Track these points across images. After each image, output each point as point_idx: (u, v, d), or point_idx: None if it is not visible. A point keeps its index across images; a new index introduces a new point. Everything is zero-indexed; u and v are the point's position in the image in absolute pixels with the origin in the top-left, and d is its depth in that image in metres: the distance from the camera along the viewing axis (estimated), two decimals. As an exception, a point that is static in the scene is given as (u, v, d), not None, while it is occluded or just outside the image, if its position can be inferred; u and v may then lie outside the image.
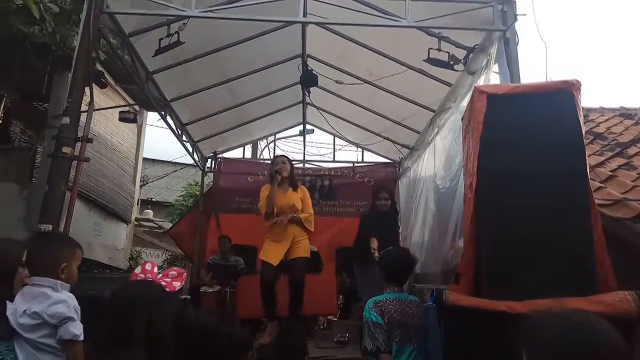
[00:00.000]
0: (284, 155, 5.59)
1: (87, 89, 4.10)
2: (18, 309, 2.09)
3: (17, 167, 7.76)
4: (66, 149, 3.70)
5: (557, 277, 2.65)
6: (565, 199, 2.80)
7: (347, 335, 5.06)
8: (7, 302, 2.13)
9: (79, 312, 2.20)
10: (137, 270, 2.41)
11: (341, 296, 6.84)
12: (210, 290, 6.37)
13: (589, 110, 6.78)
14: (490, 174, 2.88)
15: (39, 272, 2.21)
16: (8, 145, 8.45)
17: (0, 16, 5.31)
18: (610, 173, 4.53)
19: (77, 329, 2.13)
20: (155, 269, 2.39)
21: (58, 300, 2.13)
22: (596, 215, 2.84)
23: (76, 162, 3.88)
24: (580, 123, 2.91)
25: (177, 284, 2.34)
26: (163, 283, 2.26)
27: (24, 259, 2.32)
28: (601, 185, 4.20)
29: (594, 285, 2.62)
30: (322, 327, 6.44)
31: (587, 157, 2.93)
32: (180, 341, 2.10)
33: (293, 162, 5.41)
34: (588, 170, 2.93)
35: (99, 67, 6.27)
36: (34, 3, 4.97)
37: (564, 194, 2.80)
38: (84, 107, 4.05)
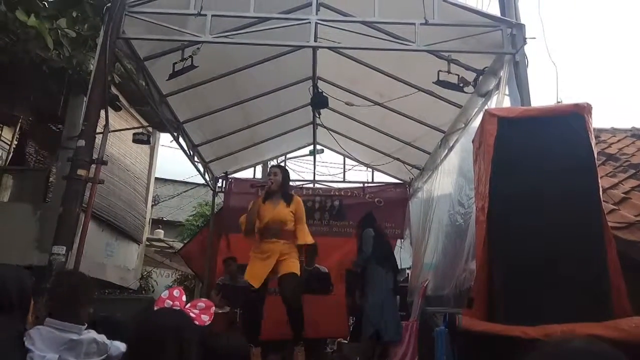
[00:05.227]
0: (275, 166, 5.50)
1: (102, 112, 4.18)
2: (49, 357, 2.01)
3: (31, 188, 7.88)
4: (81, 171, 3.75)
5: (571, 301, 2.62)
6: (578, 222, 2.78)
7: (358, 359, 5.00)
8: (32, 348, 2.02)
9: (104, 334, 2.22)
10: (164, 295, 2.28)
11: (352, 318, 6.76)
12: (220, 311, 6.35)
13: (600, 131, 6.72)
14: (502, 197, 2.88)
15: (67, 315, 2.14)
16: (23, 165, 8.59)
17: (20, 42, 5.46)
18: (624, 195, 4.46)
19: (122, 346, 2.16)
20: (184, 297, 2.25)
21: (89, 341, 2.12)
22: (610, 238, 2.81)
23: (90, 183, 3.93)
24: (592, 146, 2.90)
25: (206, 318, 2.23)
26: (192, 315, 2.18)
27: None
28: (614, 207, 4.14)
29: (608, 310, 2.59)
30: (332, 350, 6.37)
31: (599, 179, 2.91)
32: None
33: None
34: (601, 192, 2.91)
35: (113, 90, 6.39)
36: (49, 32, 5.09)
37: (577, 217, 2.79)
38: (99, 130, 4.12)
